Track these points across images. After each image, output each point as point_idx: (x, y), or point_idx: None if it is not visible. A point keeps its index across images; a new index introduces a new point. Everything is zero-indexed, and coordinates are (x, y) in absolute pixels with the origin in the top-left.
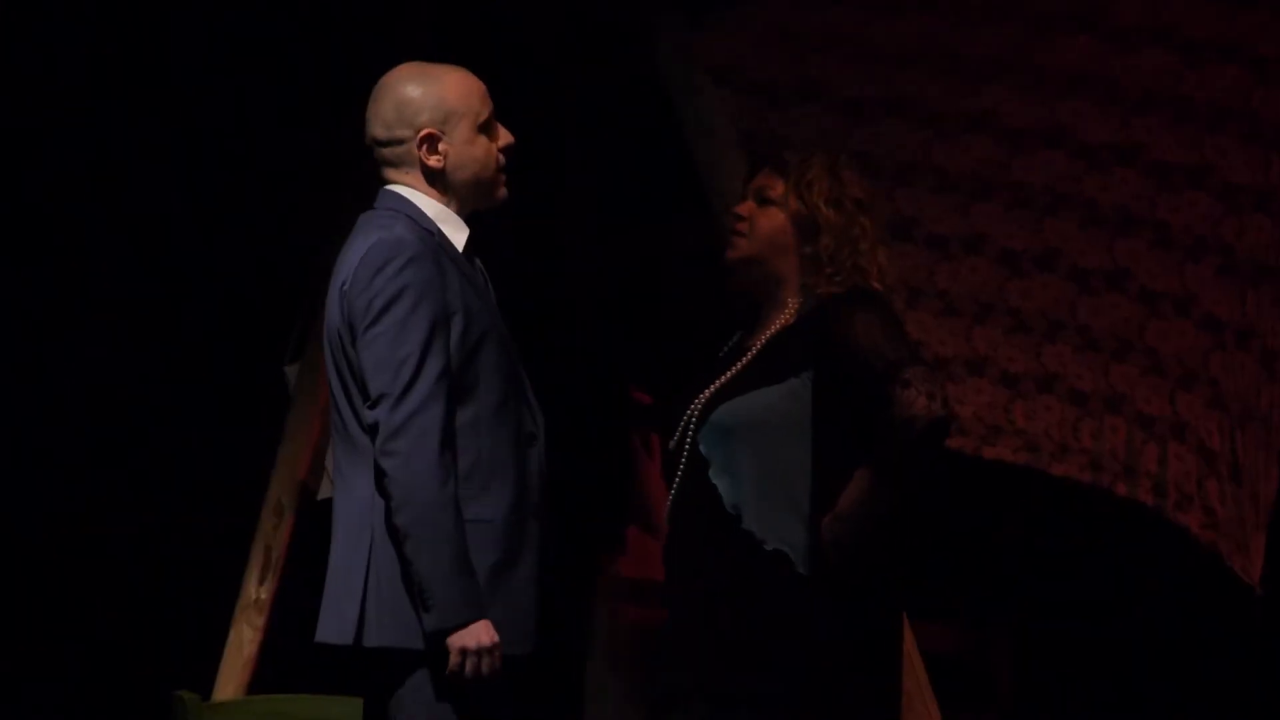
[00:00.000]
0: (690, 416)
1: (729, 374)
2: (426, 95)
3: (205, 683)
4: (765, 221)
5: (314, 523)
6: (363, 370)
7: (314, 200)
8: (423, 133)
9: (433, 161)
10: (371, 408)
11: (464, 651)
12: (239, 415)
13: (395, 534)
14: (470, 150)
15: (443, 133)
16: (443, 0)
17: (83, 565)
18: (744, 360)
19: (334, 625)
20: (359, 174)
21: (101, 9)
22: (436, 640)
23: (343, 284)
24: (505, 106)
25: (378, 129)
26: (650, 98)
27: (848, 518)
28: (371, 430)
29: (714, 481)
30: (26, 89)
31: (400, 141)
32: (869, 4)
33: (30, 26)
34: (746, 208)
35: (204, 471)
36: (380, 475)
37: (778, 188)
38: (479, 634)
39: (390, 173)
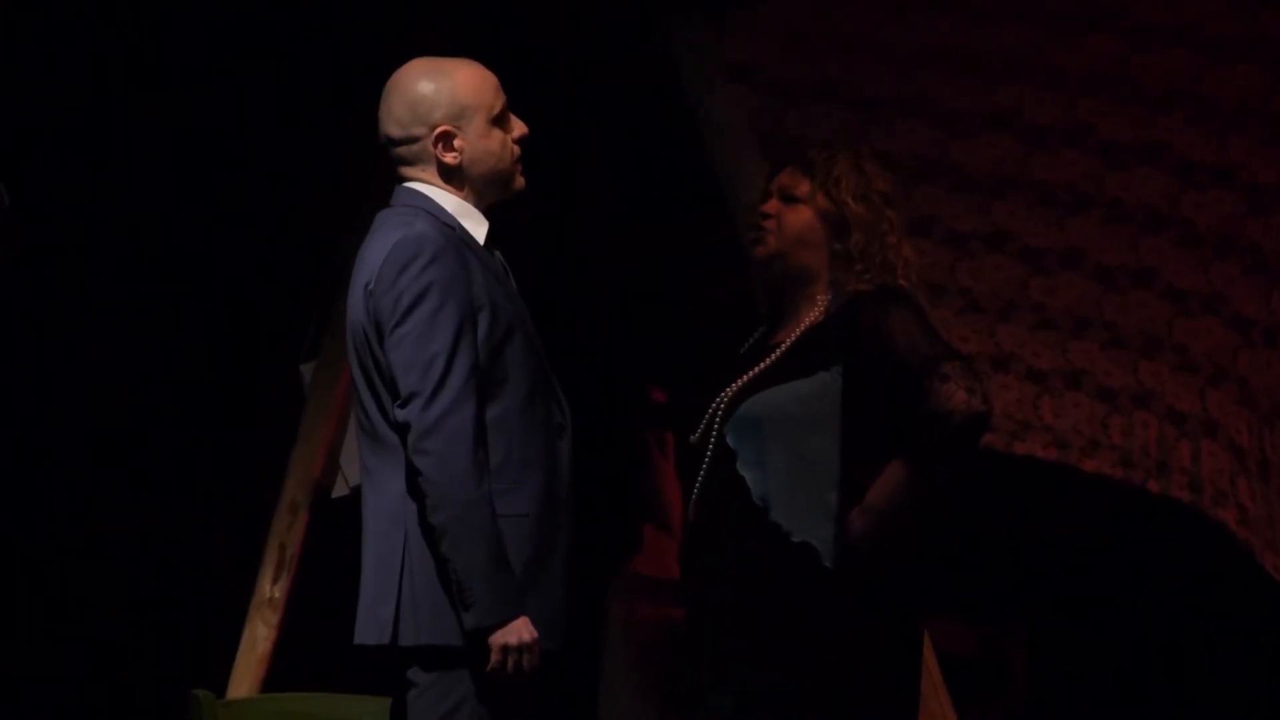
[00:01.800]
0: (716, 410)
1: (757, 369)
2: (439, 92)
3: (219, 681)
4: (793, 219)
5: (329, 521)
6: (392, 369)
7: (315, 199)
8: (438, 130)
9: (449, 158)
10: (402, 407)
11: (505, 649)
12: (240, 415)
13: (431, 532)
14: (486, 144)
15: (457, 129)
16: None
17: (83, 565)
18: (773, 356)
19: (371, 627)
20: (373, 172)
21: (101, 9)
22: (476, 638)
23: (367, 283)
24: (518, 105)
25: (392, 128)
26: (666, 96)
27: (877, 510)
28: (402, 429)
29: (742, 474)
30: (26, 89)
31: (415, 139)
32: (886, 3)
33: (30, 27)
34: (772, 206)
35: (204, 471)
36: (414, 474)
37: (803, 185)
38: (519, 631)
39: (406, 170)
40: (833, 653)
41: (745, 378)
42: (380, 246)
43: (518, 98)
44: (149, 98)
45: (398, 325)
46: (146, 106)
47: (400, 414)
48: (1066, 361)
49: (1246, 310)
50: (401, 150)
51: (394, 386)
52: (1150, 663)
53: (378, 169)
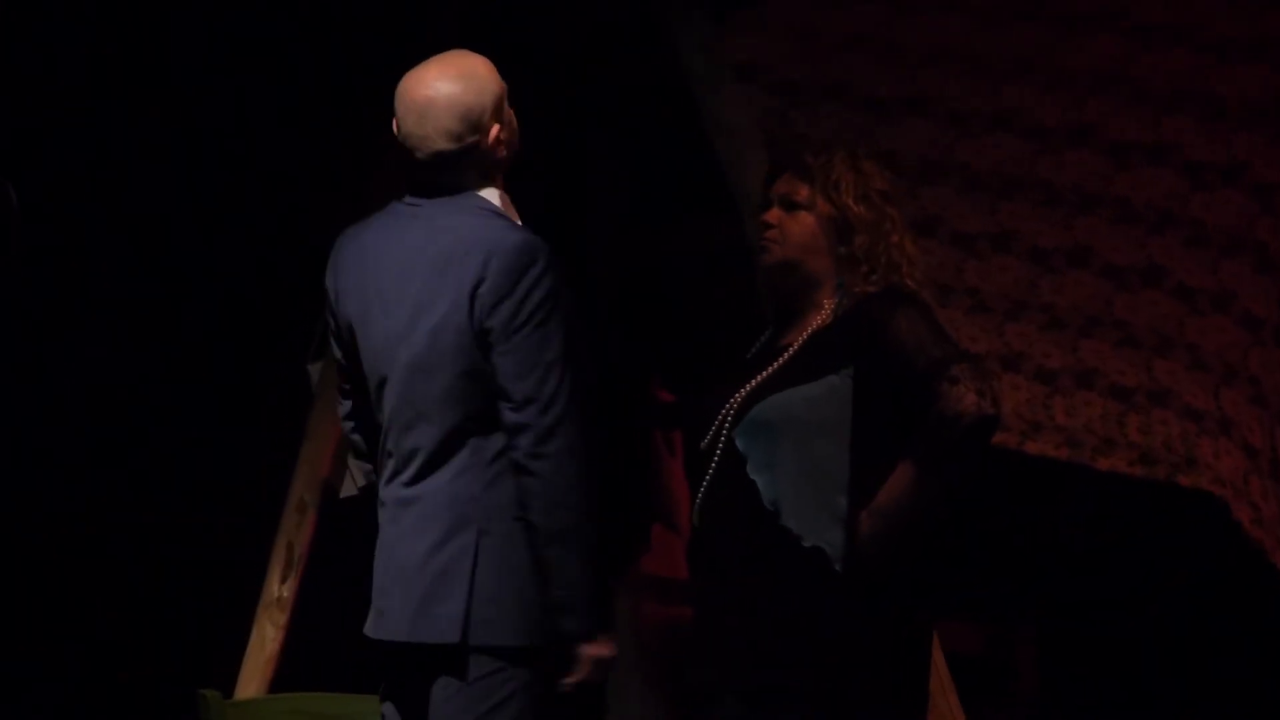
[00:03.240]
0: (726, 415)
1: (765, 373)
2: (482, 94)
3: (227, 681)
4: (795, 227)
5: (336, 520)
6: (503, 373)
7: (317, 199)
8: (493, 131)
9: (500, 151)
10: (515, 410)
11: (595, 662)
12: (243, 414)
13: (537, 536)
14: (513, 126)
15: (500, 123)
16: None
17: (88, 565)
18: (781, 359)
19: (430, 624)
20: (377, 172)
21: (101, 9)
22: (571, 643)
23: (476, 285)
24: (524, 105)
25: (444, 142)
26: (671, 96)
27: (886, 512)
28: (515, 431)
29: (752, 478)
30: (26, 89)
31: (472, 146)
32: (892, 2)
33: (30, 26)
34: (774, 215)
35: (208, 471)
36: (525, 475)
37: (802, 191)
38: (608, 644)
39: (448, 175)
40: (840, 653)
41: (754, 382)
42: (471, 249)
43: (523, 97)
44: (149, 97)
45: (517, 331)
46: (146, 106)
47: (514, 418)
48: (1077, 360)
49: (1256, 309)
50: (453, 159)
51: (504, 390)
52: (1158, 663)
53: (381, 168)
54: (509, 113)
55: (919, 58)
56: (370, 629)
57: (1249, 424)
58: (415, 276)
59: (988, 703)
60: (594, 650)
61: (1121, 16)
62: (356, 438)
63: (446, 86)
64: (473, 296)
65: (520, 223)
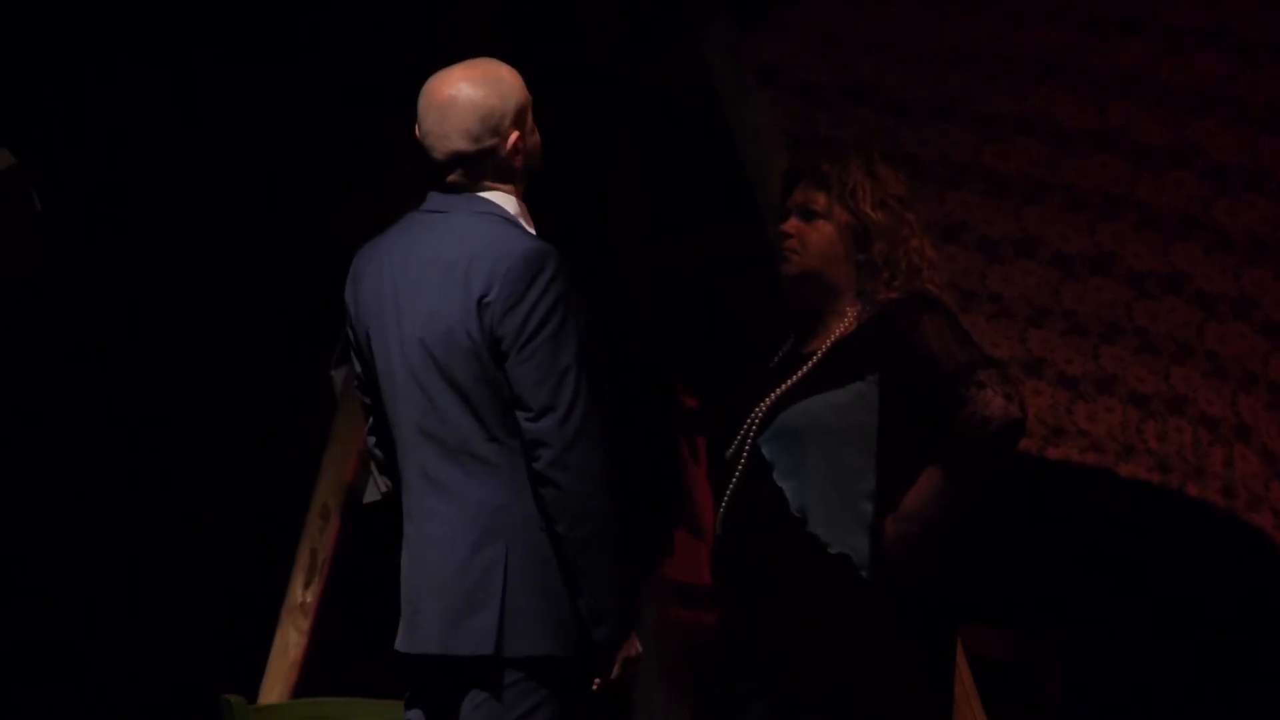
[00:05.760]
0: (751, 423)
1: (790, 381)
2: (504, 99)
3: (250, 686)
4: (815, 236)
5: (360, 526)
6: (518, 383)
7: (344, 205)
8: (511, 137)
9: (517, 160)
10: (534, 420)
11: (626, 662)
12: (264, 420)
13: (564, 546)
14: (534, 138)
15: (520, 131)
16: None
17: (108, 569)
18: (806, 367)
19: (464, 637)
20: (407, 176)
21: (111, 7)
22: (606, 650)
23: (483, 296)
24: (552, 108)
25: (462, 143)
26: (698, 99)
27: (912, 517)
28: (535, 443)
29: (779, 485)
30: (52, 93)
31: (489, 150)
32: (918, 5)
33: (39, 26)
34: (792, 225)
35: (228, 476)
36: (547, 487)
37: (819, 200)
38: (636, 644)
39: (465, 179)
40: (864, 658)
41: (779, 390)
42: (482, 255)
43: (551, 101)
44: (149, 97)
45: (529, 340)
46: (146, 105)
47: (533, 428)
48: (1098, 367)
49: (1277, 316)
50: (472, 162)
51: (501, 399)
52: (1183, 668)
53: (411, 173)
54: (531, 124)
55: (943, 61)
56: (401, 643)
57: (1269, 430)
58: (428, 285)
59: (1012, 708)
60: (625, 652)
61: (1148, 19)
62: (379, 453)
63: (469, 88)
64: (481, 305)
65: (535, 233)
